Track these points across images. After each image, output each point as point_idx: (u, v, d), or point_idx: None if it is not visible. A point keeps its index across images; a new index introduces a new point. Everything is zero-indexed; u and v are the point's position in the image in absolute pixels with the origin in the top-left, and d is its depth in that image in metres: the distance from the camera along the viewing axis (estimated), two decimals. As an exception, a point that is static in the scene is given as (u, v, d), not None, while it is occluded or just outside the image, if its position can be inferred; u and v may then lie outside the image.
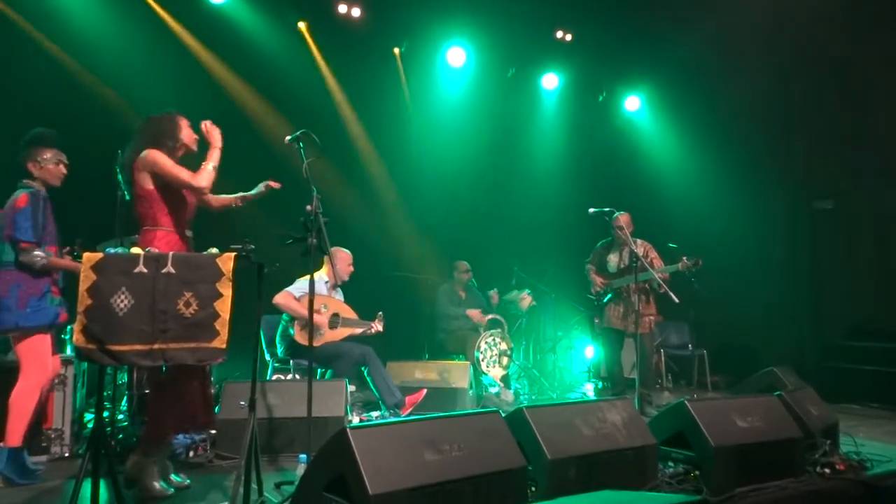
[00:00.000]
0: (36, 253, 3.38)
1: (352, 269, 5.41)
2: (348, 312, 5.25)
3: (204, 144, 3.41)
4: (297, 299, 4.96)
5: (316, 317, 4.88)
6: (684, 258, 5.34)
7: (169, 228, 3.24)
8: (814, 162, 7.37)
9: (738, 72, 7.60)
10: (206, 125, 3.40)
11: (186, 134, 3.39)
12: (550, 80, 8.54)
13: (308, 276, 5.10)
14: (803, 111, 7.46)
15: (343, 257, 5.40)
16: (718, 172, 7.76)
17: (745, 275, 7.47)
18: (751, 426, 3.38)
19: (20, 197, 3.43)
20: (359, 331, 5.21)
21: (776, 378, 5.29)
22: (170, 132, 3.34)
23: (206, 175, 3.27)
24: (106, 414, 3.76)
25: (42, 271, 3.44)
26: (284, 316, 5.08)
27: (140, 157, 3.22)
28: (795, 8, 6.94)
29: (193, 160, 3.38)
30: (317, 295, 4.87)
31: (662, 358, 6.99)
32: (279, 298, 4.93)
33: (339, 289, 5.37)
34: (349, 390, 4.45)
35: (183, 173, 3.24)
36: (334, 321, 5.13)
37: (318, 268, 5.28)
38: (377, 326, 5.25)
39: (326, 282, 5.24)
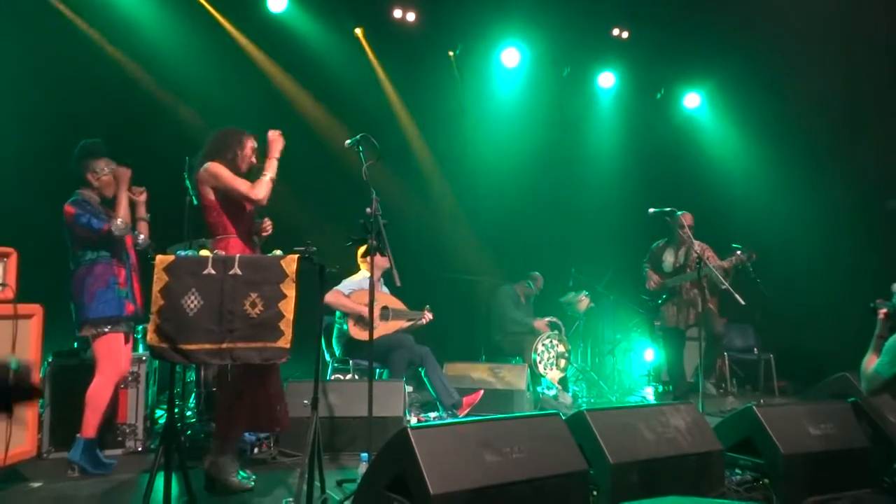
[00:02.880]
0: (117, 223, 3.55)
1: (387, 266, 5.43)
2: (397, 304, 5.30)
3: (284, 163, 3.48)
4: (347, 296, 5.05)
5: (367, 310, 4.93)
6: (738, 252, 5.22)
7: (237, 236, 3.34)
8: (888, 159, 7.00)
9: (804, 65, 7.30)
10: (273, 134, 3.46)
11: (243, 157, 3.46)
12: (607, 79, 8.42)
13: (354, 275, 5.26)
14: (876, 105, 7.10)
15: (384, 260, 5.40)
16: (784, 171, 7.48)
17: (814, 276, 7.17)
18: (823, 433, 3.25)
19: (65, 209, 3.61)
20: (411, 321, 5.26)
21: (849, 383, 5.03)
22: (232, 144, 3.43)
23: (263, 187, 3.34)
24: (176, 411, 3.90)
25: (93, 268, 3.59)
26: (337, 315, 5.18)
27: (202, 169, 3.34)
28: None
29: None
30: (365, 290, 4.97)
31: (727, 361, 6.78)
32: (329, 297, 4.98)
33: (384, 284, 5.40)
34: (407, 391, 4.49)
35: (241, 185, 3.33)
36: (385, 314, 5.19)
37: (359, 269, 5.34)
38: (428, 315, 5.29)
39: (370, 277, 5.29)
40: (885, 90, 6.99)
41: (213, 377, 4.42)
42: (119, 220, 3.58)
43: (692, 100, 8.68)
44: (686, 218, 5.48)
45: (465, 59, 7.79)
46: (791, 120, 7.51)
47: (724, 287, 5.05)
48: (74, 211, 3.59)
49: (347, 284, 5.15)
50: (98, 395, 3.58)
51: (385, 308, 5.21)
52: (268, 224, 3.64)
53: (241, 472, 3.40)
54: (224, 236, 3.33)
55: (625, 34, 8.00)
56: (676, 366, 5.74)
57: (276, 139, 3.46)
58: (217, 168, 3.32)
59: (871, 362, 3.70)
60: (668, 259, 5.76)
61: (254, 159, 3.51)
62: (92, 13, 5.90)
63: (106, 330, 3.60)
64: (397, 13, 7.21)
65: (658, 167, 8.19)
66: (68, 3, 5.80)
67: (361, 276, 5.25)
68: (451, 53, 7.70)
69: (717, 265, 5.29)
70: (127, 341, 3.79)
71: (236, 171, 3.41)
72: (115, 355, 3.64)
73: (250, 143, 3.50)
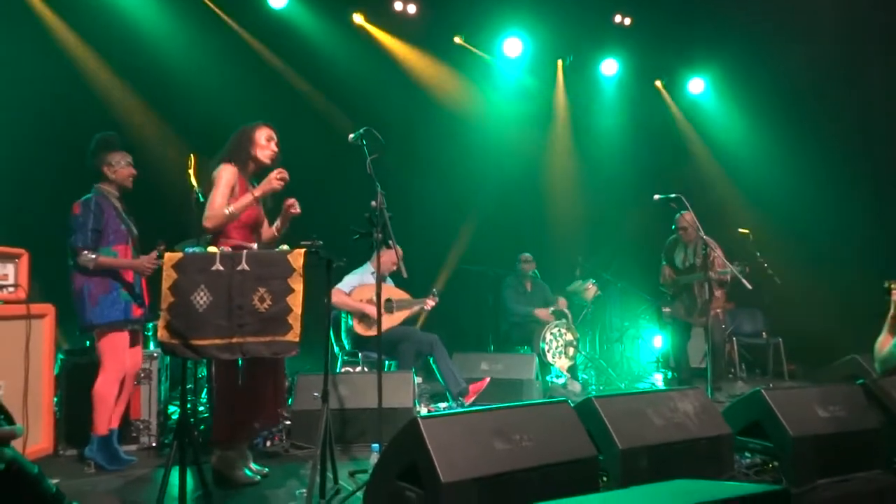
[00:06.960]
0: (85, 253, 3.55)
1: (395, 267, 5.44)
2: (400, 295, 5.33)
3: (288, 158, 3.48)
4: (348, 294, 5.08)
5: (370, 307, 4.97)
6: (736, 262, 5.26)
7: (237, 241, 3.29)
8: (897, 138, 6.95)
9: (810, 47, 7.24)
10: (274, 174, 3.31)
11: (259, 148, 3.44)
12: (610, 66, 8.38)
13: (355, 272, 5.27)
14: (884, 84, 7.03)
15: (391, 257, 5.40)
16: (791, 153, 7.44)
17: (821, 260, 7.15)
18: (832, 416, 3.25)
19: (74, 205, 3.62)
20: (415, 308, 5.30)
21: (859, 366, 5.06)
22: (243, 143, 3.43)
23: (216, 217, 3.22)
24: (189, 406, 3.94)
25: (97, 271, 3.59)
26: (343, 311, 5.20)
27: (214, 171, 3.34)
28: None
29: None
30: (367, 285, 5.10)
31: (735, 347, 6.78)
32: (333, 298, 4.87)
33: (387, 277, 5.39)
34: (416, 382, 4.52)
35: (214, 202, 3.24)
36: (388, 306, 5.20)
37: (367, 261, 5.36)
38: (430, 302, 5.32)
39: (373, 273, 5.31)
40: (892, 69, 6.92)
41: (213, 376, 4.45)
42: (87, 255, 3.53)
43: (696, 85, 8.63)
44: (685, 218, 5.52)
45: (468, 51, 7.77)
46: (796, 102, 7.46)
47: (728, 279, 5.07)
48: (76, 214, 3.59)
49: (349, 281, 5.16)
50: (102, 391, 3.62)
51: (388, 300, 5.22)
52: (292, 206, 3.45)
53: (255, 465, 3.44)
54: (224, 239, 3.28)
55: (627, 21, 7.96)
56: (681, 354, 5.82)
57: (272, 180, 3.28)
58: (222, 172, 3.31)
59: (885, 343, 3.70)
60: (679, 256, 5.83)
61: (275, 147, 3.48)
62: (97, 14, 5.93)
63: (111, 333, 3.63)
64: (398, 5, 7.21)
65: (663, 153, 8.17)
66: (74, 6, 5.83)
67: (363, 270, 5.27)
68: (453, 44, 7.68)
69: (718, 271, 5.35)
70: (135, 342, 3.83)
71: (258, 166, 3.44)
72: (119, 352, 3.66)
73: (263, 134, 3.45)
